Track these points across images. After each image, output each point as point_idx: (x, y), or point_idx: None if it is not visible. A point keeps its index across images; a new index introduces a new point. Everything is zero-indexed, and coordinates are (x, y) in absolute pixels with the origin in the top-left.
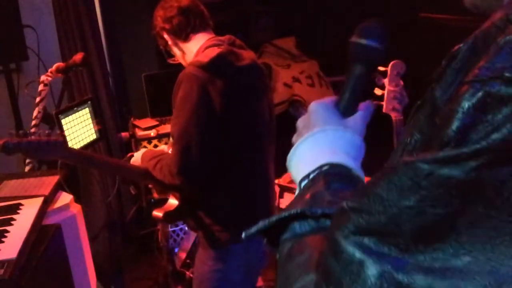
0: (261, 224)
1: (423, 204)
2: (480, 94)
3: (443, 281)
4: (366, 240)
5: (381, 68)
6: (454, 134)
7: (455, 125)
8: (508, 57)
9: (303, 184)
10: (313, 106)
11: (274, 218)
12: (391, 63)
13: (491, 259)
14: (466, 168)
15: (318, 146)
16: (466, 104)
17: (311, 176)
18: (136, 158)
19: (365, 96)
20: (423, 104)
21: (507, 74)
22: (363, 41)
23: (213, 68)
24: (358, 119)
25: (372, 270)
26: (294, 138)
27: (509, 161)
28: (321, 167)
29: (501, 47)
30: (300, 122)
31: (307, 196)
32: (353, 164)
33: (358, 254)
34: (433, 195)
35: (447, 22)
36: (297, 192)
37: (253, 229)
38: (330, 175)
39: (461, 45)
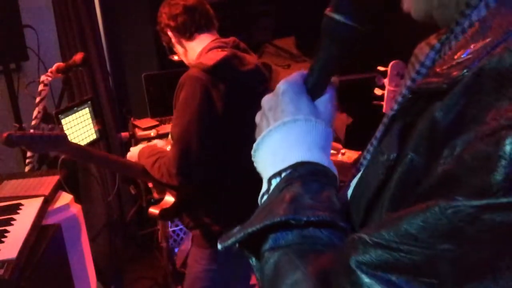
0: (240, 234)
1: (465, 248)
2: None
3: None
4: (394, 278)
5: (381, 68)
6: (503, 183)
7: (501, 173)
8: None
9: (273, 181)
10: (282, 86)
11: (255, 227)
12: (391, 63)
13: None
14: None
15: (289, 139)
16: (510, 150)
17: (283, 175)
18: (133, 153)
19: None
20: (408, 119)
21: None
22: (336, 16)
23: (217, 72)
24: (327, 102)
25: None
26: (257, 118)
27: None
28: (295, 165)
29: None
30: (265, 102)
31: (286, 198)
32: (327, 161)
33: None
34: (477, 239)
35: None
36: (264, 188)
37: (231, 240)
38: (306, 175)
39: (464, 71)
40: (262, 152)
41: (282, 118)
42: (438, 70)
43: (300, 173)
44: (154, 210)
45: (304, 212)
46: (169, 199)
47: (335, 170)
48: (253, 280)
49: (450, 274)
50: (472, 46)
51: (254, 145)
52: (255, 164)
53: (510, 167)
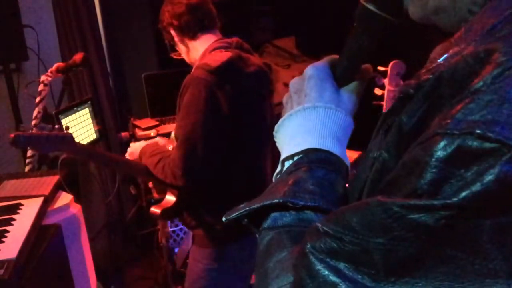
0: (242, 210)
1: (394, 243)
2: (452, 148)
3: None
4: (341, 265)
5: (381, 68)
6: (427, 187)
7: (427, 177)
8: (480, 109)
9: (286, 163)
10: (309, 70)
11: (255, 205)
12: (391, 63)
13: None
14: (436, 217)
15: (307, 124)
16: (438, 156)
17: (295, 159)
18: (134, 149)
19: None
20: (391, 121)
21: (478, 131)
22: (370, 6)
23: (223, 73)
24: (352, 91)
25: None
26: (284, 99)
27: (474, 215)
28: (306, 151)
29: (473, 97)
30: (293, 85)
31: (290, 181)
32: (339, 150)
33: (332, 277)
34: (403, 236)
35: None
36: (278, 168)
37: (234, 214)
38: (315, 162)
39: (430, 76)
40: (281, 134)
41: (304, 103)
42: (421, 72)
43: (310, 159)
44: (155, 210)
45: (303, 197)
46: (170, 198)
47: (347, 160)
48: (253, 280)
49: (383, 266)
50: (450, 51)
51: (276, 126)
52: (276, 144)
53: (435, 174)
